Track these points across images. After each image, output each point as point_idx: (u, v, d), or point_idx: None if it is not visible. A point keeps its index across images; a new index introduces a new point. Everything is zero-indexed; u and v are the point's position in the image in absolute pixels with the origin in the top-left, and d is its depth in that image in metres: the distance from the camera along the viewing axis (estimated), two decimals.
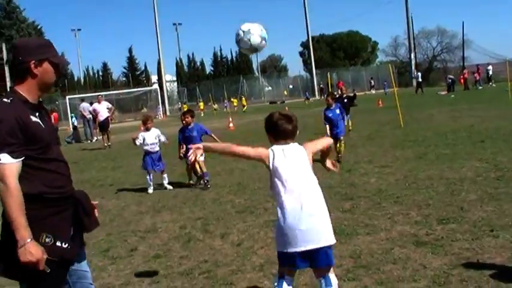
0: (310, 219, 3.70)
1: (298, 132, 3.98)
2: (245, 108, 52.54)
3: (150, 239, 7.16)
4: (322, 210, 3.83)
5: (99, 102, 24.43)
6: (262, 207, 8.21)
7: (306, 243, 3.67)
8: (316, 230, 3.71)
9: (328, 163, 4.24)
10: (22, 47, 3.21)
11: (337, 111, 12.33)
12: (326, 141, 4.21)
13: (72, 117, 34.39)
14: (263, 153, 3.88)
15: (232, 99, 61.14)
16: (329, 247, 3.78)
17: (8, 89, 3.54)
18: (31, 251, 2.92)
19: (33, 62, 3.15)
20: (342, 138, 12.13)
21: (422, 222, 6.49)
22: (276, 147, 3.88)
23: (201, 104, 60.99)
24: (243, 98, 57.71)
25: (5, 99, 3.06)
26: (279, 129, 3.91)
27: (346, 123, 16.31)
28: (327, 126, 12.11)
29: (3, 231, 3.05)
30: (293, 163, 3.82)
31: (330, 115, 12.20)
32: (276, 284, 3.91)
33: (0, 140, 2.93)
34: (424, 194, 7.92)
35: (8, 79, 45.84)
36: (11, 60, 3.23)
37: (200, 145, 4.07)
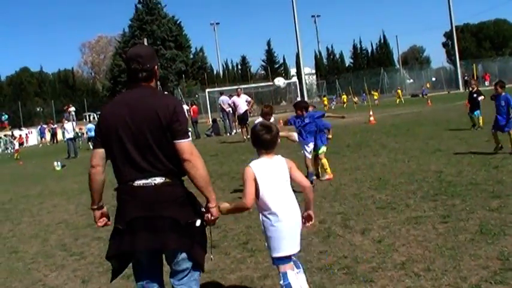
0: (297, 227, 4.33)
1: (278, 141, 4.38)
2: (399, 100, 51.02)
3: None
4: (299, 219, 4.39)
5: (238, 95, 25.04)
6: (404, 203, 8.05)
7: (297, 248, 4.35)
8: (298, 237, 4.36)
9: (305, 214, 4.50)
10: (146, 55, 3.83)
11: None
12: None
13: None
14: (251, 190, 4.19)
15: (373, 92, 60.15)
16: None
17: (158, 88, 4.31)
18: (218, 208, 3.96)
19: (156, 66, 3.87)
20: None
21: None
22: (255, 164, 4.27)
23: (344, 97, 60.77)
24: (399, 91, 56.48)
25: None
26: (259, 140, 4.32)
27: (477, 120, 17.48)
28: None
29: (188, 213, 3.77)
30: (275, 176, 4.27)
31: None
32: (282, 280, 4.26)
33: (186, 126, 3.78)
34: None
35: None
36: (136, 67, 3.75)
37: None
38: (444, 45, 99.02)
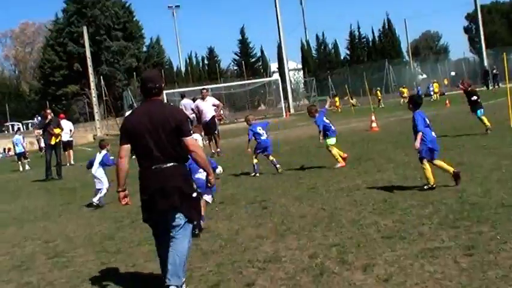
0: None
1: None
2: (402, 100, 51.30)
3: (272, 270, 7.24)
4: None
5: (203, 98, 24.81)
6: (416, 231, 8.08)
7: None
8: None
9: None
10: (157, 76, 7.06)
11: None
12: None
13: None
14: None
15: (377, 91, 60.44)
16: None
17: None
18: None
19: (163, 84, 7.02)
20: None
21: None
22: None
23: (337, 99, 60.60)
24: (403, 89, 56.68)
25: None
26: None
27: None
28: None
29: (188, 186, 6.84)
30: None
31: None
32: None
33: (188, 127, 6.96)
34: None
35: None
36: (151, 86, 6.74)
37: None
38: (466, 30, 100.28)
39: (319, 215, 10.01)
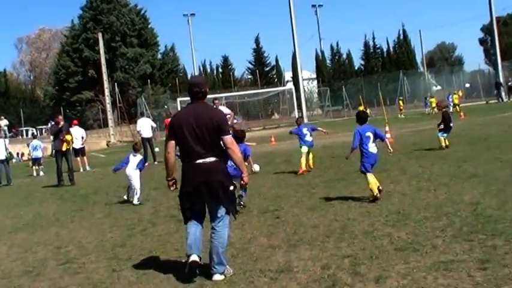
0: None
1: None
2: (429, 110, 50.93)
3: (284, 281, 7.21)
4: None
5: (216, 107, 24.96)
6: (429, 243, 8.03)
7: None
8: None
9: None
10: (202, 82, 8.03)
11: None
12: None
13: None
14: None
15: (400, 101, 60.02)
16: None
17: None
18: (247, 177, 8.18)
19: (207, 88, 8.07)
20: None
21: None
22: None
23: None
24: (432, 100, 56.45)
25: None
26: None
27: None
28: None
29: (228, 180, 7.74)
30: None
31: None
32: None
33: (228, 127, 7.88)
34: None
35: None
36: (197, 90, 7.74)
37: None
38: (481, 42, 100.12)
39: (332, 225, 9.98)
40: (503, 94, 59.92)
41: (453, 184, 12.42)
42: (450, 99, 52.91)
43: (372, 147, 11.97)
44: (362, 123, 12.20)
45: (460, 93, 56.98)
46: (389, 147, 12.70)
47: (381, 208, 10.87)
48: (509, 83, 65.84)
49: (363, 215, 10.44)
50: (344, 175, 15.18)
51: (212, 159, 7.57)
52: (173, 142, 7.80)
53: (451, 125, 20.65)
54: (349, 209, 11.09)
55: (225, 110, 25.25)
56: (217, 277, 7.56)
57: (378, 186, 11.65)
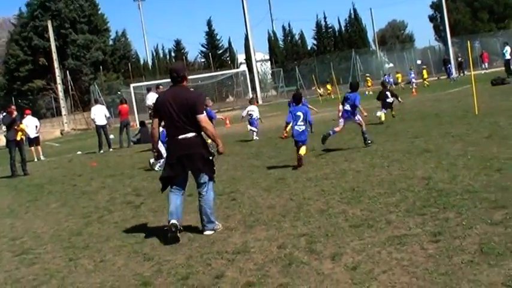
0: None
1: None
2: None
3: (241, 262, 7.26)
4: None
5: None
6: (383, 219, 8.13)
7: None
8: None
9: None
10: (180, 68, 9.09)
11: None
12: None
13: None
14: None
15: (368, 78, 59.87)
16: None
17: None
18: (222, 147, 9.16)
19: (186, 72, 9.15)
20: None
21: None
22: None
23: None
24: (368, 79, 56.63)
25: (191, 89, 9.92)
26: None
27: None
28: None
29: (207, 151, 8.92)
30: None
31: None
32: None
33: (202, 107, 9.04)
34: None
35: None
36: (174, 75, 8.87)
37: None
38: (431, 19, 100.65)
39: (288, 205, 10.03)
40: (452, 70, 60.47)
41: (406, 160, 12.55)
42: (390, 79, 52.88)
43: (298, 126, 14.04)
44: (297, 104, 14.80)
45: (411, 68, 57.02)
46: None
47: (336, 186, 10.95)
48: (459, 59, 66.34)
49: (318, 194, 10.51)
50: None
51: (192, 134, 8.74)
52: (157, 120, 9.06)
53: (388, 101, 23.10)
54: (304, 188, 11.15)
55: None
56: (208, 232, 8.89)
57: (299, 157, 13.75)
